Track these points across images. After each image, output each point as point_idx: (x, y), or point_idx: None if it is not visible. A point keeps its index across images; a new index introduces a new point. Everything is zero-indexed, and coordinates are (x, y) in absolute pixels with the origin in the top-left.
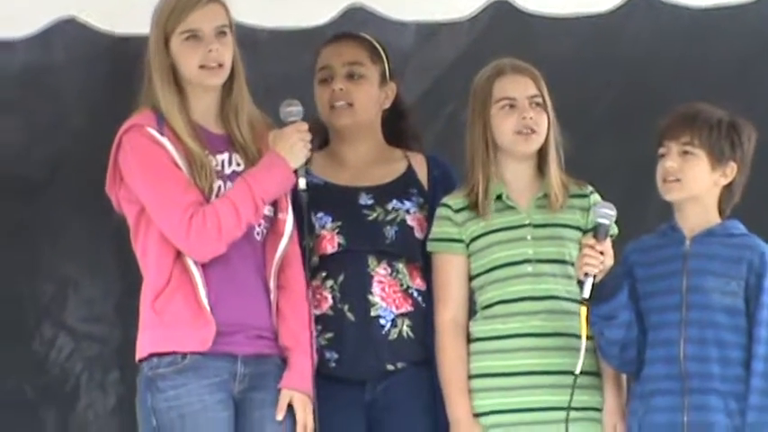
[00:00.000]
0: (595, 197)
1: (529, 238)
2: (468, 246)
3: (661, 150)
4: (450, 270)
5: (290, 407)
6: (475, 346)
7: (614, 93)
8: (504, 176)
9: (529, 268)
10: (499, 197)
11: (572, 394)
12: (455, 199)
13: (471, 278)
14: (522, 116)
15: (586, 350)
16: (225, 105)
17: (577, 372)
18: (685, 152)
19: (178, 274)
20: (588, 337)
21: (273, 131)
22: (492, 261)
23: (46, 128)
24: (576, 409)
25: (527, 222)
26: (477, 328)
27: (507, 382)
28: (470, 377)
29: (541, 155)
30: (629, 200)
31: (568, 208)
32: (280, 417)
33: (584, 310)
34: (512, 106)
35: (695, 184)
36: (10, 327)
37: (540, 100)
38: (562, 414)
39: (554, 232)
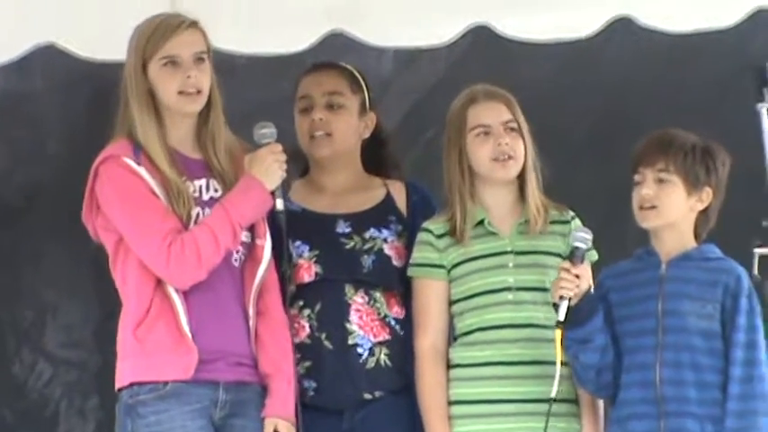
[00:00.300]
0: (576, 222)
1: (510, 265)
2: (449, 272)
3: (636, 177)
4: (431, 296)
5: None
6: (454, 373)
7: (593, 117)
8: (485, 202)
9: (509, 296)
10: (481, 222)
11: (547, 421)
12: (436, 224)
13: (451, 304)
14: (497, 142)
15: (564, 377)
16: (202, 132)
17: (553, 395)
18: (661, 179)
19: (159, 301)
20: (565, 363)
21: (248, 155)
22: (472, 288)
23: (25, 154)
24: None
25: (509, 249)
26: (456, 355)
27: (486, 410)
28: (450, 403)
29: (521, 180)
30: (609, 224)
31: (550, 234)
32: None
33: (558, 333)
34: (487, 133)
35: (672, 210)
36: None
37: (514, 125)
38: None
39: (536, 260)
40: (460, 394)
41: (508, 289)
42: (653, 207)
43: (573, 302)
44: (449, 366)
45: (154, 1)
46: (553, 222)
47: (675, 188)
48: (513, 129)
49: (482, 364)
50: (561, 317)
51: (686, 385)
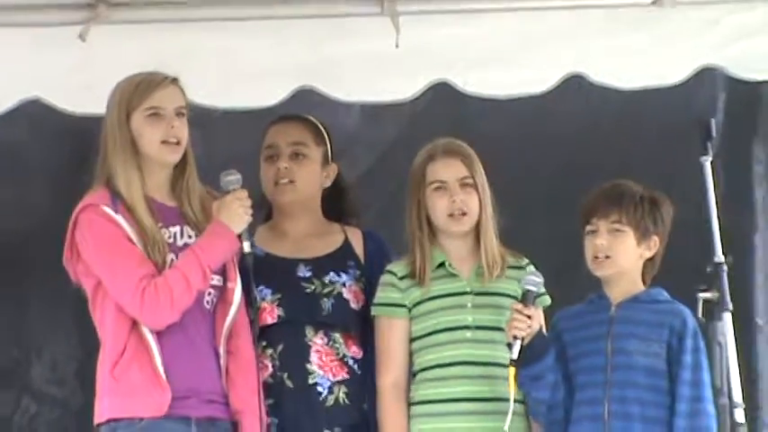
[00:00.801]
0: (531, 268)
1: (469, 305)
2: (410, 310)
3: (589, 228)
4: (393, 334)
5: None
6: (414, 410)
7: (549, 169)
8: (444, 248)
9: (468, 334)
10: (442, 265)
11: None
12: (399, 266)
13: (411, 341)
14: (452, 199)
15: (518, 414)
16: (178, 182)
17: (506, 428)
18: (614, 230)
19: (134, 342)
20: (520, 401)
21: (216, 202)
22: (433, 325)
23: (10, 203)
24: None
25: (468, 290)
26: (417, 393)
27: None
28: None
29: (477, 229)
30: (562, 271)
31: (506, 278)
32: None
33: (512, 370)
34: (443, 188)
35: (624, 259)
36: None
37: (470, 181)
38: None
39: (493, 301)
40: (422, 430)
41: (467, 327)
42: (607, 257)
43: (525, 342)
44: (409, 404)
45: (133, 58)
46: (510, 267)
47: (627, 238)
48: (468, 184)
49: (441, 400)
50: (515, 355)
51: (632, 419)
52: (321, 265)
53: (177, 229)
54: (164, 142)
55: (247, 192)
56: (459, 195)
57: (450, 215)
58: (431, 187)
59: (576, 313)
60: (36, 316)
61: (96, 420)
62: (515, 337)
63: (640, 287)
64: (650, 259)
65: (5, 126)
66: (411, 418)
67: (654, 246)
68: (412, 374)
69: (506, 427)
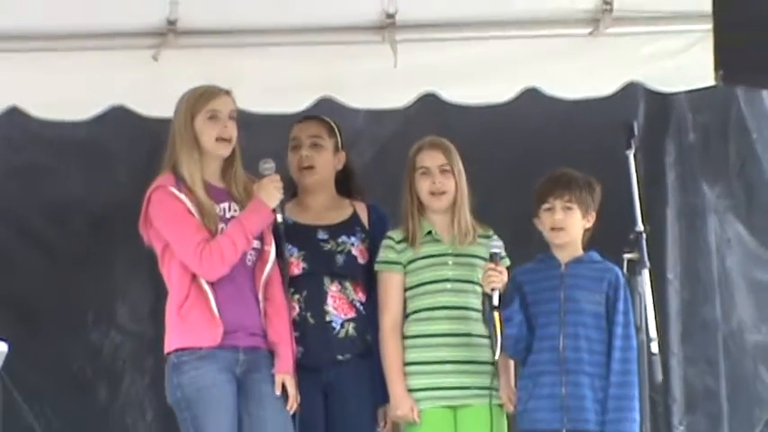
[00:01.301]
0: (495, 237)
1: (450, 263)
2: (404, 267)
3: (546, 206)
4: (392, 285)
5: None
6: (407, 342)
7: (509, 162)
8: (431, 219)
9: (448, 285)
10: (429, 233)
11: (493, 378)
12: (396, 233)
13: (406, 290)
14: (433, 181)
15: (486, 346)
16: (227, 169)
17: (496, 358)
18: (567, 207)
19: (194, 291)
20: (487, 336)
21: (255, 184)
22: (422, 279)
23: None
24: (488, 388)
25: (449, 252)
26: (409, 329)
27: (432, 369)
28: (405, 365)
29: (454, 207)
30: (517, 239)
31: (477, 244)
32: (278, 393)
33: (497, 314)
34: (427, 173)
35: (574, 230)
36: (76, 325)
37: (447, 168)
38: (472, 391)
39: (467, 261)
40: (414, 358)
41: (447, 280)
42: (561, 229)
43: (500, 291)
44: (403, 337)
45: (194, 75)
46: (479, 236)
47: (575, 214)
48: (446, 171)
49: (429, 335)
50: (496, 302)
51: (581, 351)
52: (335, 230)
53: (226, 205)
54: (219, 139)
55: (279, 176)
56: (438, 179)
57: (432, 194)
58: (418, 172)
59: (531, 269)
60: (120, 270)
61: (166, 350)
62: (493, 289)
63: (581, 251)
64: (588, 229)
65: (96, 127)
66: (405, 348)
67: (591, 219)
68: (405, 316)
69: (496, 356)
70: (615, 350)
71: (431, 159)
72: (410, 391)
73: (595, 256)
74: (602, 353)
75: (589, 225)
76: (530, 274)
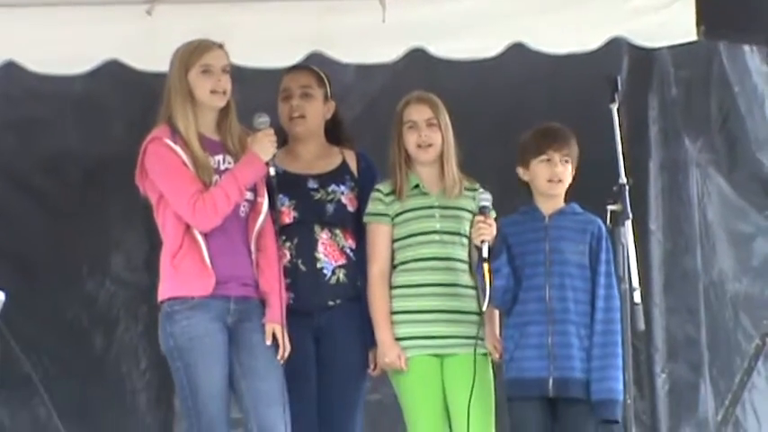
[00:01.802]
0: (481, 190)
1: (437, 215)
2: (393, 219)
3: (544, 157)
4: (380, 236)
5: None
6: (395, 291)
7: (495, 116)
8: (418, 173)
9: (436, 237)
10: (417, 186)
11: (479, 327)
12: (384, 186)
13: (393, 242)
14: (420, 134)
15: (472, 296)
16: (222, 122)
17: (484, 309)
18: (565, 161)
19: (188, 241)
20: (472, 287)
21: (250, 137)
22: (409, 230)
23: (97, 137)
24: (474, 338)
25: (436, 204)
26: (397, 279)
27: (418, 317)
28: (393, 313)
29: (441, 160)
30: (503, 192)
31: (464, 197)
32: (269, 342)
33: (486, 266)
34: (414, 127)
35: (567, 183)
36: (72, 275)
37: (434, 122)
38: (458, 340)
39: (454, 213)
40: (401, 306)
41: (435, 232)
42: (560, 181)
43: (490, 244)
44: (391, 287)
45: (188, 29)
46: (466, 189)
47: (570, 167)
48: (433, 124)
49: (417, 285)
50: (485, 254)
51: (567, 301)
52: (325, 179)
53: (220, 157)
54: (213, 92)
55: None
56: (425, 132)
57: (419, 146)
58: (406, 126)
59: (516, 221)
60: (115, 220)
61: (159, 298)
62: (483, 241)
63: (562, 202)
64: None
65: (92, 80)
66: (393, 298)
67: (573, 172)
68: (393, 266)
69: (484, 307)
70: (599, 300)
71: (418, 113)
72: (397, 339)
73: (577, 207)
74: (587, 302)
75: (571, 177)
76: (514, 226)
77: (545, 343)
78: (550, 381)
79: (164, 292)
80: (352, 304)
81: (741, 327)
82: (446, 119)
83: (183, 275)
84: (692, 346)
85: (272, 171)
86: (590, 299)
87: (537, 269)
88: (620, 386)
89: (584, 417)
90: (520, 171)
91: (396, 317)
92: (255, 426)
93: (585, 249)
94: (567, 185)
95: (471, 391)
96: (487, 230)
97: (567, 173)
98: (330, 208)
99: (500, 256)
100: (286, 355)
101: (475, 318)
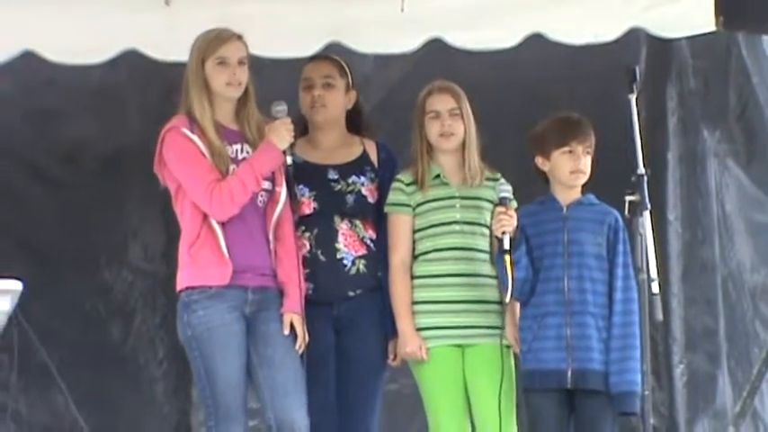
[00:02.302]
0: (502, 180)
1: (458, 206)
2: (414, 209)
3: (566, 149)
4: (401, 226)
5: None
6: (416, 282)
7: (515, 105)
8: (439, 163)
9: (456, 227)
10: (437, 176)
11: (501, 319)
12: (406, 175)
13: (414, 232)
14: (442, 124)
15: (493, 286)
16: (241, 111)
17: (507, 300)
18: (587, 153)
19: (205, 230)
20: (494, 276)
21: (267, 125)
22: (430, 221)
23: (117, 126)
24: (496, 327)
25: (456, 195)
26: (418, 269)
27: (439, 308)
28: (414, 303)
29: (463, 149)
30: (523, 181)
31: (485, 187)
32: (286, 332)
33: (507, 257)
34: (437, 117)
35: (587, 174)
36: (90, 265)
37: (457, 111)
38: (479, 330)
39: (475, 203)
40: (422, 297)
41: (456, 222)
42: (582, 172)
43: (511, 235)
44: (412, 277)
45: (206, 19)
46: (487, 179)
47: (589, 159)
48: (455, 114)
49: (437, 275)
50: (506, 246)
51: (586, 292)
52: (345, 170)
53: (238, 146)
54: (228, 84)
55: (291, 119)
56: (447, 121)
57: (441, 135)
58: (428, 116)
59: (533, 211)
60: (133, 209)
61: (178, 288)
62: (504, 233)
63: (579, 193)
64: None
65: (111, 70)
66: (414, 288)
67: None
68: (414, 257)
69: (507, 299)
70: (617, 291)
71: (441, 103)
72: (419, 329)
73: (593, 198)
74: (605, 294)
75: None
76: (532, 217)
77: (563, 334)
78: (569, 372)
79: (182, 281)
80: (373, 294)
81: (759, 317)
82: (468, 109)
83: (200, 265)
84: (710, 337)
85: (288, 160)
86: (608, 290)
87: (555, 260)
88: (639, 378)
89: (602, 408)
90: (539, 161)
91: (416, 307)
92: (273, 415)
93: (603, 241)
94: (587, 177)
95: (501, 382)
96: (508, 222)
97: (587, 165)
98: (350, 199)
99: (520, 247)
100: (304, 345)
101: (496, 307)
